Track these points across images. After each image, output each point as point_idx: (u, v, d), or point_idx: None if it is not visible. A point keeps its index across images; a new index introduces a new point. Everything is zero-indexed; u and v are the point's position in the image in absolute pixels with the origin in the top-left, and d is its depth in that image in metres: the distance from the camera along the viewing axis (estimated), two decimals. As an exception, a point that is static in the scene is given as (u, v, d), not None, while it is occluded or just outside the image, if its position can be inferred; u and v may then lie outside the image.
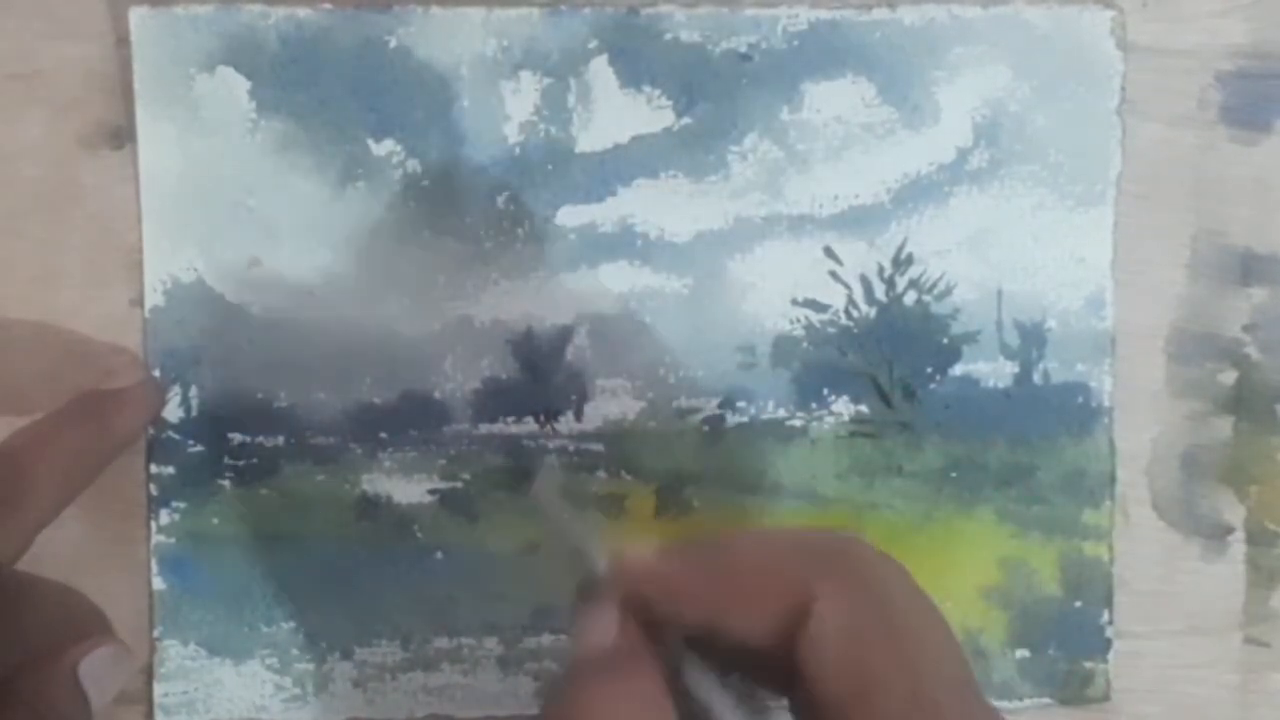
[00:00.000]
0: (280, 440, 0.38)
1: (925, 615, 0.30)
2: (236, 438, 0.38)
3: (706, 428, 0.39)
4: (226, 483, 0.38)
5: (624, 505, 0.39)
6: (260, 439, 0.38)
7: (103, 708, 0.33)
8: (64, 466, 0.34)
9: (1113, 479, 0.40)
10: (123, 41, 0.37)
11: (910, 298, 0.39)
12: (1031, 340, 0.39)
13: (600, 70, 0.38)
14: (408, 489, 0.38)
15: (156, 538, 0.38)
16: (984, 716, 0.29)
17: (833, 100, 0.39)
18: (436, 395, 0.38)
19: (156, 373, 0.38)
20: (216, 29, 0.37)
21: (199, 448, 0.38)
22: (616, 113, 0.38)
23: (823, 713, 0.29)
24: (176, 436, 0.38)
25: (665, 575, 0.30)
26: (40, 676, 0.32)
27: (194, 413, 0.38)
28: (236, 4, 0.37)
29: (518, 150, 0.38)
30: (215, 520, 0.38)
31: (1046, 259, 0.39)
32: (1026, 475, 0.39)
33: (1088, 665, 0.40)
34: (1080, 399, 0.39)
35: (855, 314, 0.39)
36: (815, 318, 0.39)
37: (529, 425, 0.39)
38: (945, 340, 0.39)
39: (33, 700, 0.31)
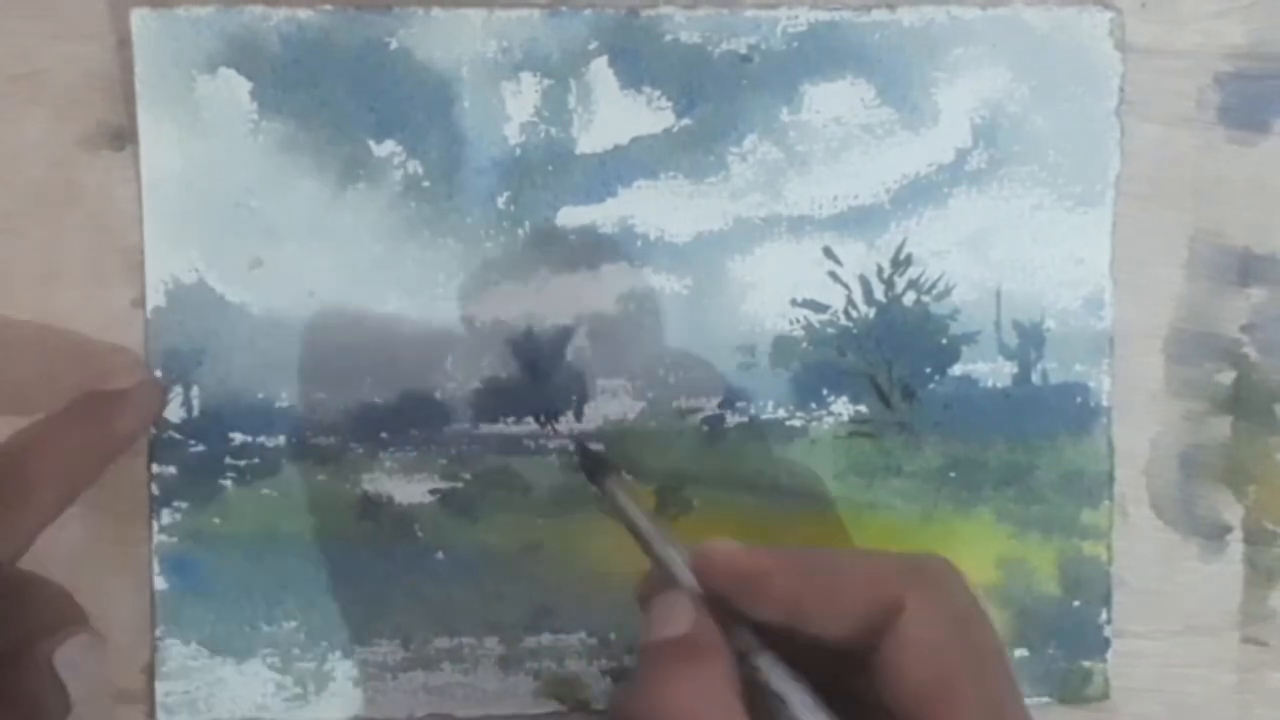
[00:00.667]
0: (281, 440, 0.38)
1: (999, 641, 0.32)
2: (238, 438, 0.38)
3: (706, 428, 0.39)
4: (228, 482, 0.38)
5: (624, 505, 0.39)
6: (261, 439, 0.38)
7: (85, 697, 0.33)
8: (65, 466, 0.34)
9: (1111, 479, 0.40)
10: (124, 42, 0.37)
11: (909, 298, 0.39)
12: (1030, 340, 0.39)
13: (600, 71, 0.38)
14: (408, 489, 0.38)
15: (158, 537, 0.38)
16: None
17: (832, 101, 0.39)
18: (437, 395, 0.38)
19: (158, 373, 0.38)
20: (217, 30, 0.37)
21: (200, 448, 0.38)
22: (617, 114, 0.38)
23: (895, 716, 0.30)
24: (178, 436, 0.38)
25: (754, 565, 0.31)
26: (17, 667, 0.32)
27: (195, 413, 0.38)
28: (238, 5, 0.37)
29: (518, 151, 0.38)
30: (216, 520, 0.38)
31: (1045, 259, 0.39)
32: (1025, 475, 0.39)
33: (1086, 664, 0.40)
34: (1079, 399, 0.39)
35: (854, 314, 0.39)
36: (815, 318, 0.39)
37: (529, 425, 0.39)
38: (944, 340, 0.39)
39: (11, 691, 0.32)
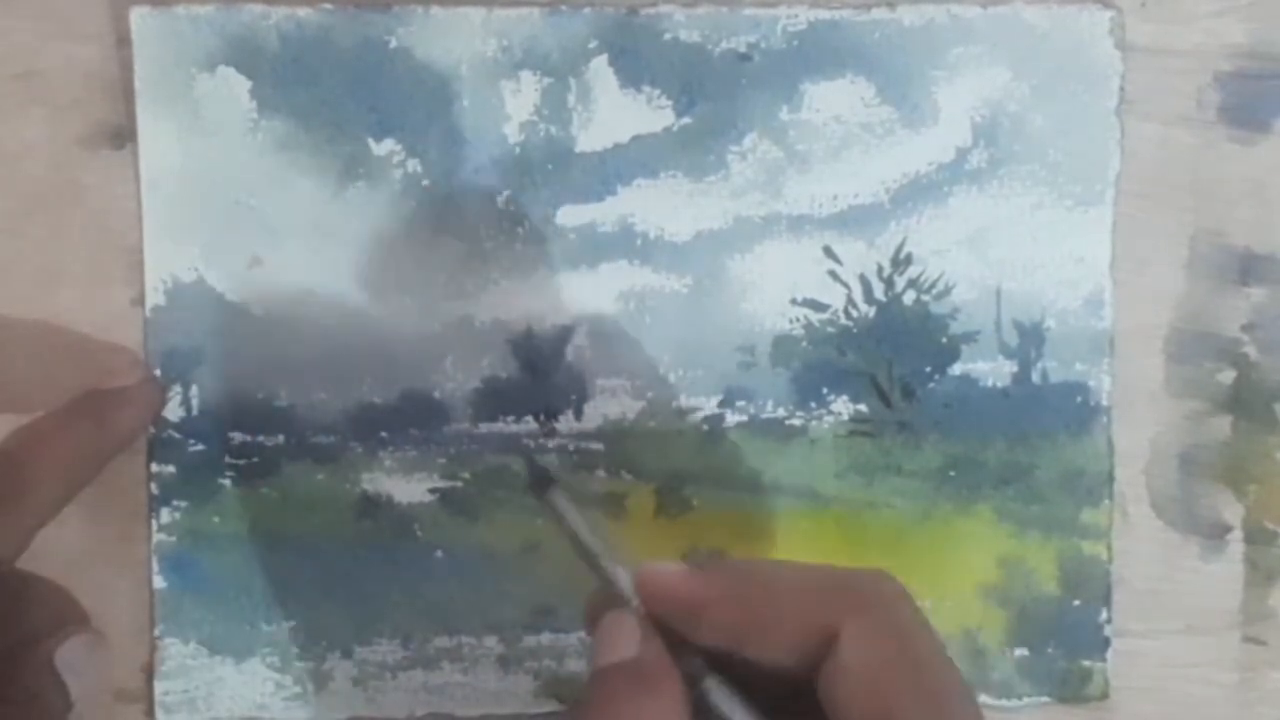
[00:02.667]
0: (281, 439, 0.38)
1: (944, 657, 0.30)
2: (237, 437, 0.38)
3: (706, 427, 0.39)
4: (227, 482, 0.38)
5: (624, 504, 0.39)
6: (261, 438, 0.38)
7: (85, 696, 0.33)
8: (64, 465, 0.34)
9: (1111, 478, 0.40)
10: (123, 41, 0.37)
11: (909, 297, 0.39)
12: (1030, 340, 0.39)
13: (600, 70, 0.38)
14: (408, 488, 0.38)
15: (157, 536, 0.38)
16: None
17: (832, 100, 0.39)
18: (437, 395, 0.38)
19: (157, 372, 0.38)
20: (217, 29, 0.37)
21: (200, 447, 0.38)
22: (616, 112, 0.38)
23: None
24: (177, 436, 0.38)
25: (690, 593, 0.30)
26: (17, 667, 0.32)
27: (195, 412, 0.38)
28: (237, 4, 0.37)
29: (518, 150, 0.38)
30: (216, 519, 0.38)
31: (1045, 258, 0.39)
32: (1025, 474, 0.39)
33: (1086, 664, 0.40)
34: (1079, 398, 0.39)
35: (854, 313, 0.39)
36: (814, 317, 0.39)
37: (529, 425, 0.39)
38: (944, 340, 0.39)
39: (11, 690, 0.32)
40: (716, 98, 0.38)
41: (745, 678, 0.30)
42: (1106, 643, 0.40)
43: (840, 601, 0.30)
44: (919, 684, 0.29)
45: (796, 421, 0.39)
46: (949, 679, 0.30)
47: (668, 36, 0.38)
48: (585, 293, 0.38)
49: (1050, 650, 0.40)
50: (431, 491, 0.38)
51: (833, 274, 0.39)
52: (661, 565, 0.31)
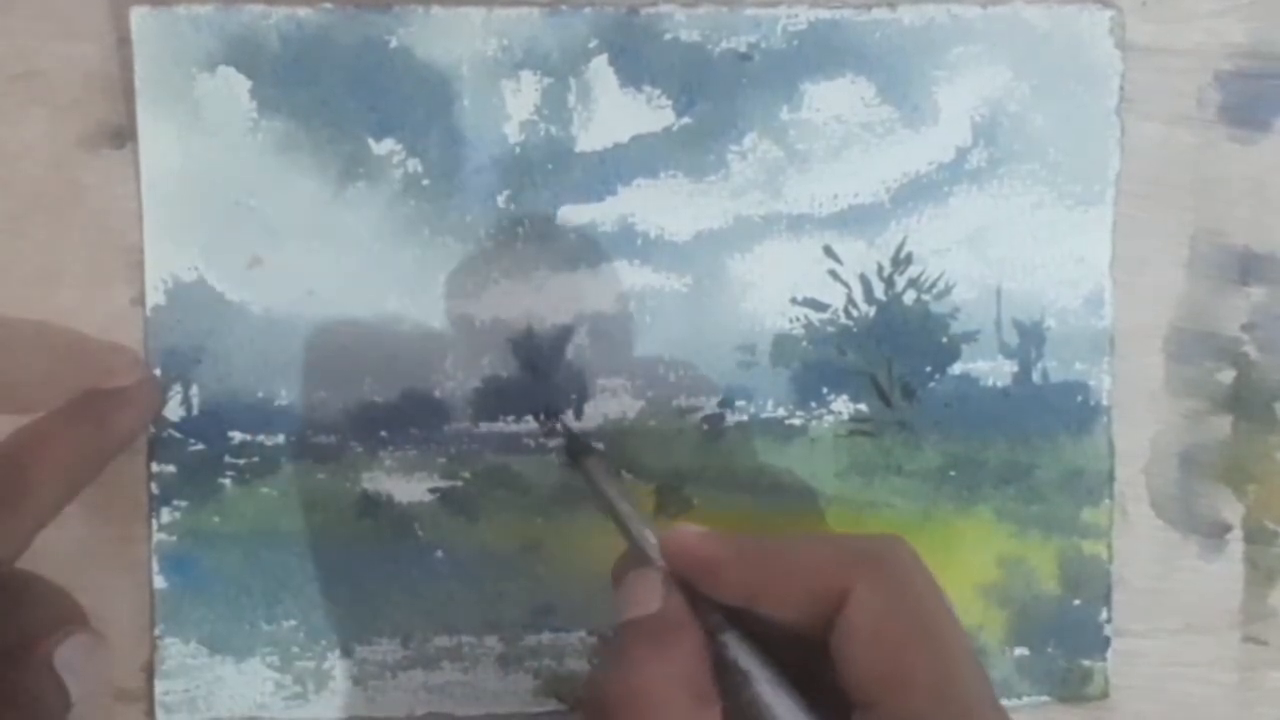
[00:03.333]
0: (281, 439, 0.38)
1: (953, 620, 0.31)
2: (237, 436, 0.38)
3: (706, 426, 0.39)
4: (227, 481, 0.38)
5: (624, 504, 0.39)
6: (261, 437, 0.38)
7: (85, 696, 0.33)
8: (64, 465, 0.34)
9: (1111, 477, 0.40)
10: (123, 41, 0.37)
11: (909, 297, 0.39)
12: (1030, 339, 0.39)
13: (600, 70, 0.38)
14: (408, 487, 0.38)
15: (157, 536, 0.38)
16: None
17: (832, 100, 0.39)
18: (437, 394, 0.38)
19: (157, 372, 0.38)
20: (217, 28, 0.37)
21: (200, 446, 0.38)
22: (616, 112, 0.38)
23: (851, 700, 0.30)
24: (177, 435, 0.38)
25: (710, 553, 0.32)
26: (16, 667, 0.32)
27: (195, 411, 0.38)
28: (237, 3, 0.37)
29: (518, 149, 0.38)
30: (216, 519, 0.38)
31: (1045, 258, 0.39)
32: (1025, 474, 0.39)
33: (1086, 663, 0.40)
34: (1079, 398, 0.39)
35: (855, 313, 0.39)
36: (815, 317, 0.39)
37: (529, 424, 0.39)
38: (944, 339, 0.39)
39: (10, 690, 0.32)
40: (717, 97, 0.38)
41: (763, 637, 0.31)
42: (1106, 642, 0.40)
43: (852, 562, 0.31)
44: (927, 643, 0.30)
45: (796, 421, 0.39)
46: (957, 640, 0.31)
47: (668, 36, 0.38)
48: (585, 292, 0.38)
49: (1050, 650, 0.40)
50: (431, 491, 0.38)
51: (833, 273, 0.39)
52: (685, 527, 0.33)
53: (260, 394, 0.38)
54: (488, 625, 0.39)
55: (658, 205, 0.38)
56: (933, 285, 0.39)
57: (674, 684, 0.30)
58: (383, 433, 0.38)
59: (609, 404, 0.39)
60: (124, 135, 0.38)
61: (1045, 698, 0.40)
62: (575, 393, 0.39)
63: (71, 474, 0.34)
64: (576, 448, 0.37)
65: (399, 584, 0.39)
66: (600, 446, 0.38)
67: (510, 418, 0.39)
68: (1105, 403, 0.40)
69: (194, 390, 0.38)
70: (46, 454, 0.34)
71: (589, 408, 0.39)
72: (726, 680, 0.31)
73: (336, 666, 0.39)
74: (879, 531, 0.39)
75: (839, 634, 0.30)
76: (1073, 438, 0.40)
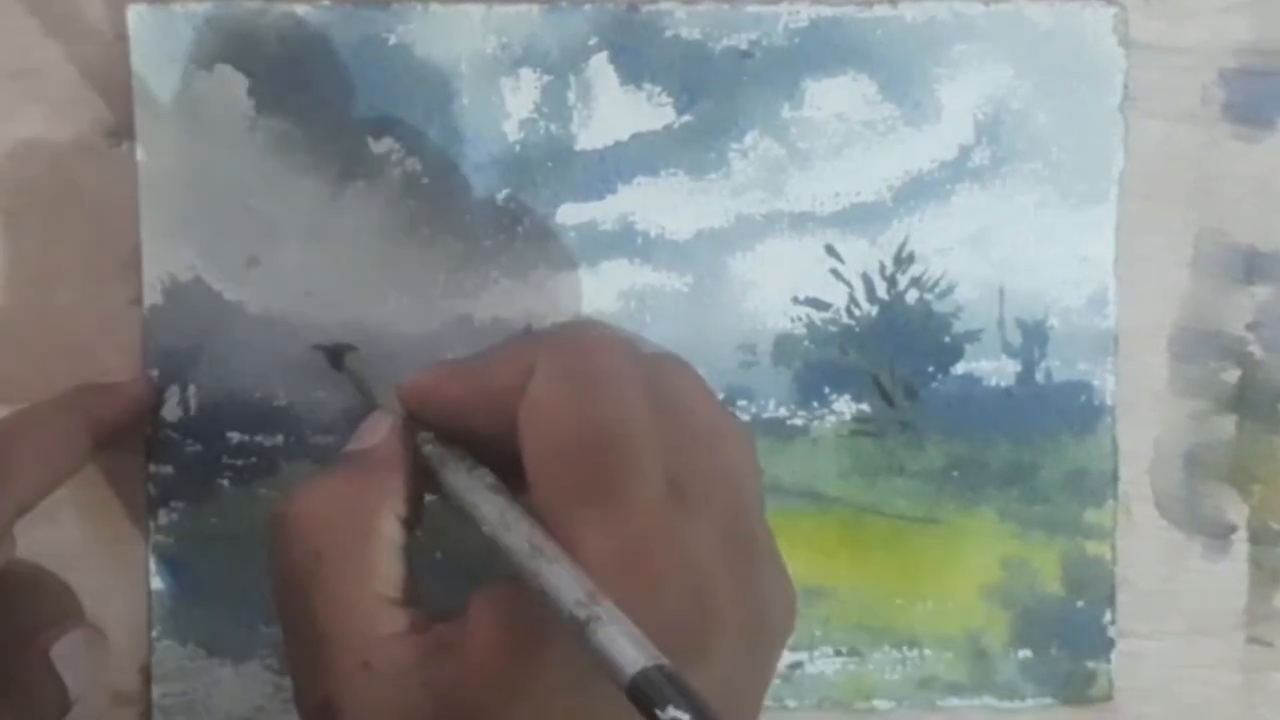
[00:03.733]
0: (279, 439, 0.38)
1: (624, 403, 0.29)
2: (235, 437, 0.38)
3: (707, 427, 0.39)
4: (225, 482, 0.38)
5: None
6: (259, 438, 0.38)
7: (84, 692, 0.33)
8: (47, 451, 0.34)
9: (1115, 478, 0.39)
10: (120, 39, 0.37)
11: (912, 296, 0.39)
12: (1034, 339, 0.39)
13: (600, 67, 0.38)
14: (407, 488, 0.38)
15: (155, 537, 0.38)
16: (688, 529, 0.28)
17: (834, 97, 0.38)
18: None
19: (155, 372, 0.38)
20: (215, 26, 0.37)
21: (197, 447, 0.38)
22: (617, 110, 0.38)
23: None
24: (175, 436, 0.38)
25: (429, 379, 0.32)
26: (14, 662, 0.32)
27: (192, 412, 0.38)
28: (235, 1, 0.37)
29: (517, 148, 0.38)
30: (214, 520, 0.38)
31: (1049, 257, 0.39)
32: (1029, 474, 0.39)
33: (1090, 665, 0.39)
34: (1083, 398, 0.39)
35: (857, 312, 0.39)
36: (816, 316, 0.39)
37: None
38: (947, 339, 0.39)
39: (7, 686, 0.31)
40: (717, 95, 0.38)
41: (501, 465, 0.31)
42: (1110, 644, 0.39)
43: (539, 345, 0.31)
44: (591, 429, 0.29)
45: (798, 421, 0.39)
46: (619, 421, 0.29)
47: (668, 33, 0.38)
48: (585, 291, 0.38)
49: (1054, 651, 0.39)
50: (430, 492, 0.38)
51: (835, 272, 0.39)
52: (414, 373, 0.33)
53: (258, 394, 0.38)
54: (487, 627, 0.38)
55: (658, 204, 0.38)
56: (935, 284, 0.39)
57: (341, 510, 0.30)
58: (382, 433, 0.38)
59: (609, 404, 0.38)
60: (121, 134, 0.38)
61: (1049, 700, 0.39)
62: (575, 393, 0.38)
63: (55, 463, 0.34)
64: (335, 354, 0.37)
65: (398, 585, 0.38)
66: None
67: (510, 418, 0.38)
68: (1109, 403, 0.39)
69: (191, 391, 0.38)
70: (30, 438, 0.33)
71: (589, 408, 0.38)
72: (441, 487, 0.31)
73: (335, 669, 0.38)
74: (879, 533, 0.39)
75: (520, 416, 0.29)
76: (1076, 438, 0.39)
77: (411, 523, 0.31)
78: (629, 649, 0.25)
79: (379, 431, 0.32)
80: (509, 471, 0.31)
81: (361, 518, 0.30)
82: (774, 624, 0.30)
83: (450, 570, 0.38)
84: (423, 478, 0.32)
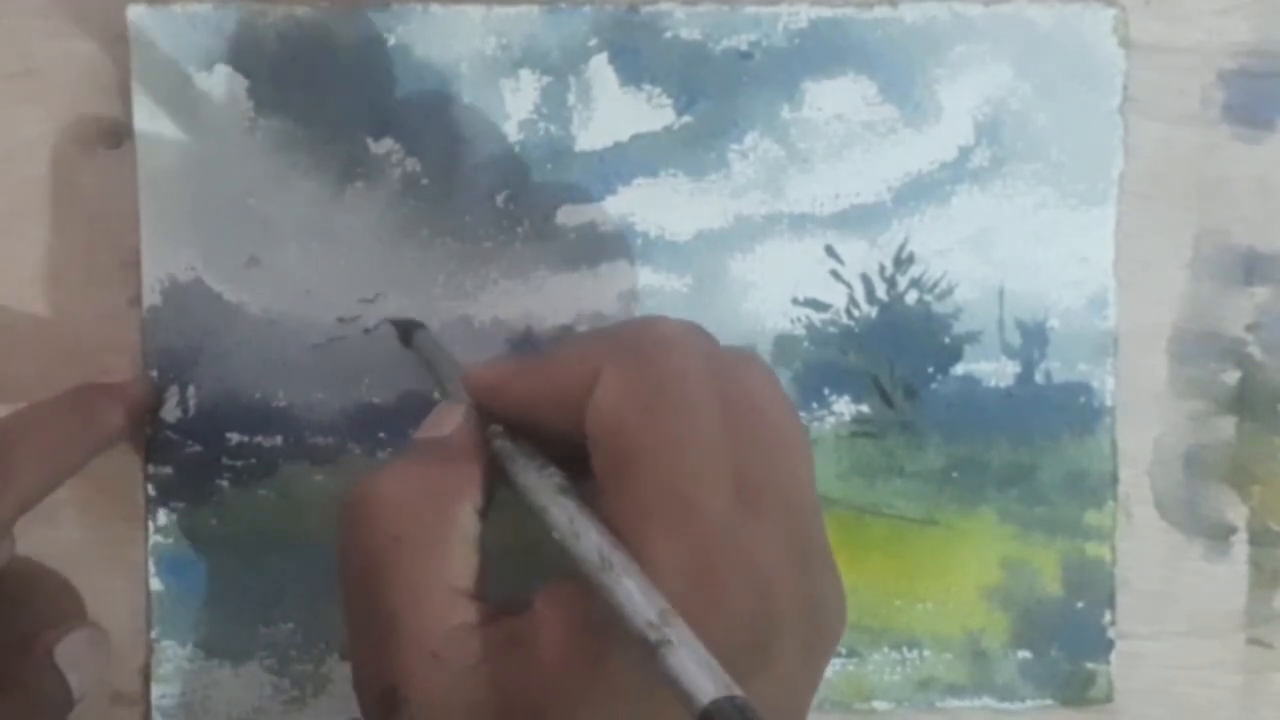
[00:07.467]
0: (279, 440, 0.38)
1: (689, 403, 0.29)
2: (234, 438, 0.38)
3: (707, 428, 0.39)
4: (225, 483, 0.38)
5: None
6: (258, 439, 0.38)
7: (87, 691, 0.33)
8: (46, 451, 0.34)
9: (1115, 479, 0.39)
10: (120, 39, 0.37)
11: (912, 297, 0.39)
12: (1033, 340, 0.39)
13: (600, 68, 0.38)
14: (407, 489, 0.38)
15: (154, 538, 0.38)
16: (755, 535, 0.28)
17: (834, 98, 0.38)
18: (436, 395, 0.38)
19: (154, 373, 0.38)
20: (215, 27, 0.37)
21: (197, 448, 0.38)
22: (616, 111, 0.38)
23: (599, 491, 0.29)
24: (174, 436, 0.38)
25: (496, 373, 0.32)
26: (17, 661, 0.32)
27: (192, 413, 0.38)
28: (235, 2, 0.37)
29: (517, 149, 0.38)
30: (213, 521, 0.38)
31: (1048, 258, 0.39)
32: (1028, 475, 0.39)
33: (1090, 666, 0.39)
34: (1082, 399, 0.39)
35: (856, 313, 0.39)
36: (816, 317, 0.39)
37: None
38: (947, 340, 0.39)
39: (11, 685, 0.31)
40: (717, 96, 0.38)
41: (569, 458, 0.30)
42: (1110, 645, 0.39)
43: (604, 347, 0.30)
44: (660, 430, 0.28)
45: (798, 422, 0.39)
46: (689, 427, 0.29)
47: (668, 34, 0.38)
48: (585, 292, 0.38)
49: (1053, 653, 0.39)
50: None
51: (834, 273, 0.39)
52: (480, 366, 0.33)
53: (258, 395, 0.38)
54: (487, 628, 0.38)
55: (658, 205, 0.38)
56: (935, 285, 0.39)
57: (420, 499, 0.30)
58: (381, 434, 0.38)
59: (609, 405, 0.38)
60: (121, 134, 0.38)
61: (1049, 701, 0.39)
62: (575, 394, 0.38)
63: (55, 462, 0.34)
64: (405, 330, 0.37)
65: (397, 586, 0.38)
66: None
67: (509, 419, 0.38)
68: (1109, 404, 0.39)
69: (191, 391, 0.38)
70: (29, 438, 0.33)
71: (589, 409, 0.38)
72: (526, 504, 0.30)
73: (335, 670, 0.38)
74: (879, 534, 0.39)
75: (587, 422, 0.29)
76: (1076, 439, 0.39)
77: (485, 514, 0.31)
78: (701, 678, 0.25)
79: (453, 420, 0.32)
80: (577, 462, 0.30)
81: (442, 506, 0.30)
82: (830, 627, 0.30)
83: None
84: (495, 470, 0.31)
